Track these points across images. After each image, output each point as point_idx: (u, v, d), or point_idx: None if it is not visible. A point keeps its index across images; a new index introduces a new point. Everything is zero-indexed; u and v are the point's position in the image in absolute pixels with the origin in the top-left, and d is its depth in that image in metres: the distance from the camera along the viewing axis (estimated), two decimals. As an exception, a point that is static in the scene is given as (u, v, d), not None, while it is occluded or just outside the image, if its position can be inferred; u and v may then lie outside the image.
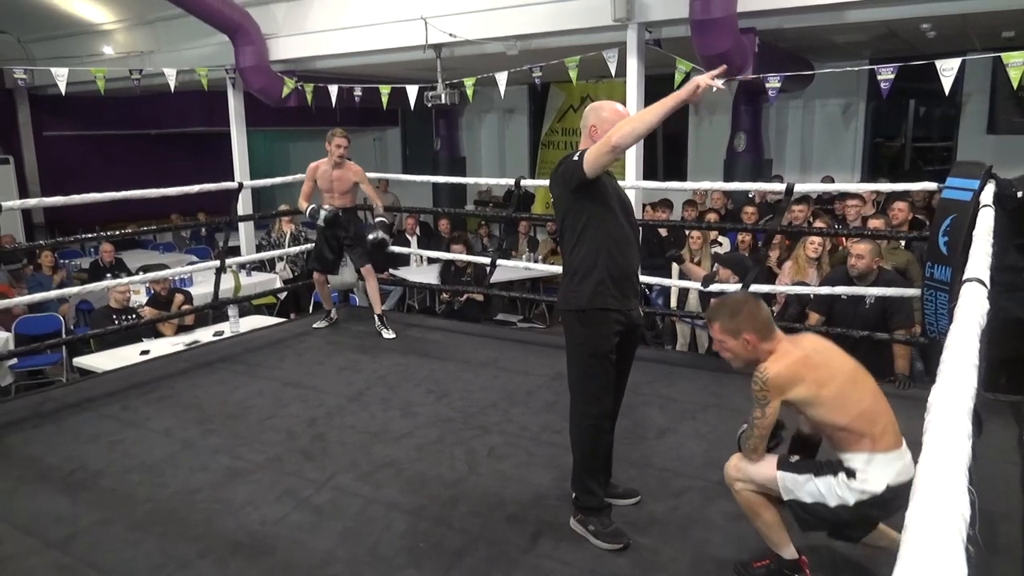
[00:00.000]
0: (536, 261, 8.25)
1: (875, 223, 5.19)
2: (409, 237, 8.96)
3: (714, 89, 2.44)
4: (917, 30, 6.79)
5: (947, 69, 5.22)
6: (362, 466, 3.29)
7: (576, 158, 2.58)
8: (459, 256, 6.99)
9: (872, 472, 2.12)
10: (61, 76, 7.39)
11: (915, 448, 1.03)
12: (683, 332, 6.07)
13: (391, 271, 7.88)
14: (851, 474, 2.14)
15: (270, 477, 3.20)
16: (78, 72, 7.92)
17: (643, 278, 5.93)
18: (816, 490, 2.18)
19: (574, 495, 2.75)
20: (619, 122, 2.52)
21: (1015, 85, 5.15)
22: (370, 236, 5.20)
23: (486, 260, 6.10)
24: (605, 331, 2.65)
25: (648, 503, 2.91)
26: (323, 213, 5.11)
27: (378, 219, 5.29)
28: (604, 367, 2.67)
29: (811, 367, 2.18)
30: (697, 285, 4.95)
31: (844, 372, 2.21)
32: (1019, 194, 3.64)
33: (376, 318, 5.30)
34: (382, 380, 4.42)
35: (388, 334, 5.23)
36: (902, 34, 7.15)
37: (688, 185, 5.99)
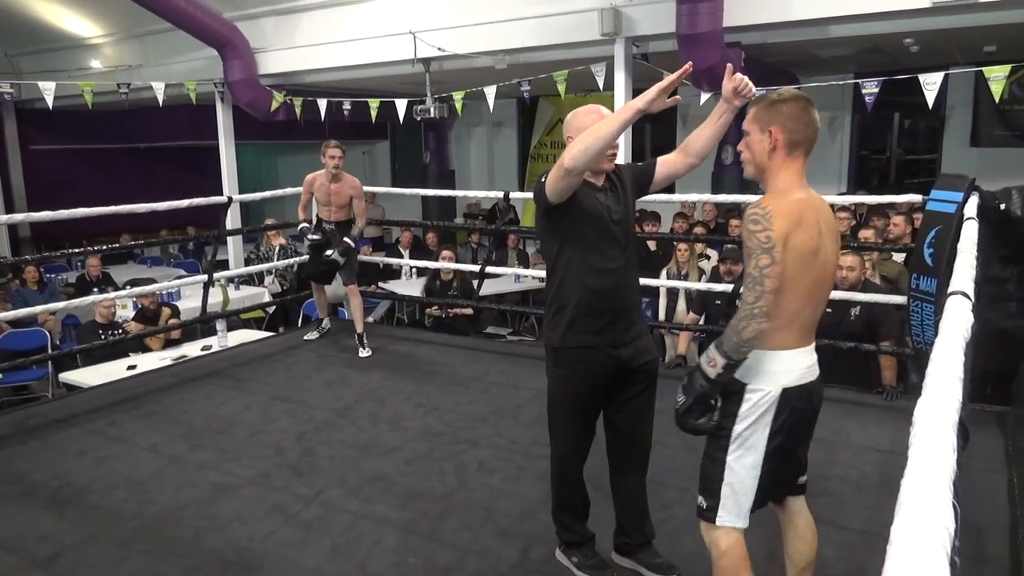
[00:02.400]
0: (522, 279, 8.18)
1: (865, 234, 5.24)
2: (402, 251, 8.96)
3: (669, 99, 2.13)
4: (900, 45, 6.88)
5: (930, 83, 5.30)
6: (351, 481, 3.27)
7: (543, 179, 2.31)
8: (448, 265, 6.98)
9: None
10: (49, 90, 7.38)
11: (901, 460, 1.03)
12: (672, 344, 6.08)
13: (379, 284, 7.87)
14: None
15: (258, 493, 3.18)
16: (66, 86, 7.91)
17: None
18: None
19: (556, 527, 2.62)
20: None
21: (997, 99, 5.23)
22: (328, 252, 5.13)
23: (475, 267, 6.10)
24: (579, 372, 2.39)
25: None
26: (308, 240, 5.12)
27: (347, 239, 5.18)
28: (576, 411, 2.44)
29: (810, 208, 1.92)
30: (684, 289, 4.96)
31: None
32: (1002, 206, 3.68)
33: (356, 337, 5.24)
34: (371, 394, 4.40)
35: (364, 353, 5.12)
36: (886, 48, 7.24)
37: (676, 197, 6.01)
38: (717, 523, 2.00)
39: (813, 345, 2.01)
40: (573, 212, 2.31)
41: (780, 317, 1.89)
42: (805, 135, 1.93)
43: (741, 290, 1.92)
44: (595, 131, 2.13)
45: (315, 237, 5.13)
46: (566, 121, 2.43)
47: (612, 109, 2.34)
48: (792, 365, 1.94)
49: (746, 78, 2.19)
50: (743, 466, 1.96)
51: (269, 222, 7.80)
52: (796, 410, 1.94)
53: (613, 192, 2.40)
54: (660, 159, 2.52)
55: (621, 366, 2.39)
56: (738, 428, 1.95)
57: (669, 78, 2.08)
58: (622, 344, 2.39)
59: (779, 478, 2.03)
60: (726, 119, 2.31)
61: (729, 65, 2.19)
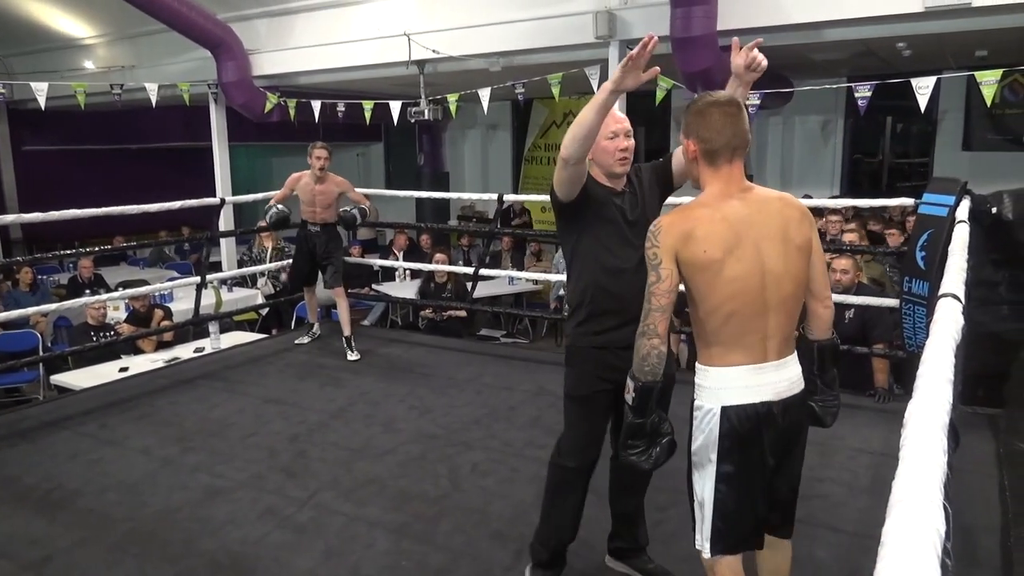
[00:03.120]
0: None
1: (850, 236, 5.26)
2: (397, 253, 8.95)
3: (645, 73, 2.03)
4: (893, 49, 6.91)
5: (923, 87, 5.32)
6: (344, 483, 3.27)
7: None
8: (441, 267, 6.97)
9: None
10: (41, 91, 7.34)
11: (894, 463, 1.04)
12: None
13: (373, 287, 7.86)
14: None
15: (251, 495, 3.17)
16: (58, 87, 7.87)
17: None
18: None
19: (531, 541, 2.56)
20: (603, 156, 2.27)
21: (989, 103, 5.25)
22: (350, 208, 5.28)
23: (468, 269, 6.09)
24: (587, 372, 2.36)
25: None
26: (271, 212, 5.20)
27: (355, 210, 5.31)
28: (583, 413, 2.39)
29: (711, 221, 1.80)
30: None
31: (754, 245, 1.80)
32: (993, 210, 3.71)
33: (344, 339, 5.23)
34: (364, 396, 4.39)
35: (352, 356, 5.10)
36: (879, 52, 7.27)
37: (670, 200, 6.03)
38: (698, 548, 1.93)
39: (781, 360, 1.84)
40: (588, 212, 2.31)
41: (704, 333, 1.84)
42: (722, 141, 1.81)
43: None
44: (578, 118, 2.13)
45: (279, 208, 5.21)
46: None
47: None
48: (735, 383, 1.81)
49: (756, 51, 2.09)
50: (703, 489, 1.88)
51: (262, 223, 7.75)
52: (740, 431, 1.80)
53: (631, 194, 2.38)
54: (675, 151, 2.43)
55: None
56: (693, 446, 1.89)
57: (630, 54, 2.00)
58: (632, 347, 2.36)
59: (744, 510, 1.86)
60: (740, 96, 2.16)
61: (736, 39, 2.11)
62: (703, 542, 1.91)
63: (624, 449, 1.94)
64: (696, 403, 1.87)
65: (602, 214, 2.31)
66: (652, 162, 2.51)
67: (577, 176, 2.22)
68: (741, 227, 1.80)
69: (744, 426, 1.80)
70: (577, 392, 2.40)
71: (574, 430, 2.43)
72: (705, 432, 1.84)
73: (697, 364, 1.88)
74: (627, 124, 2.34)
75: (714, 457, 1.83)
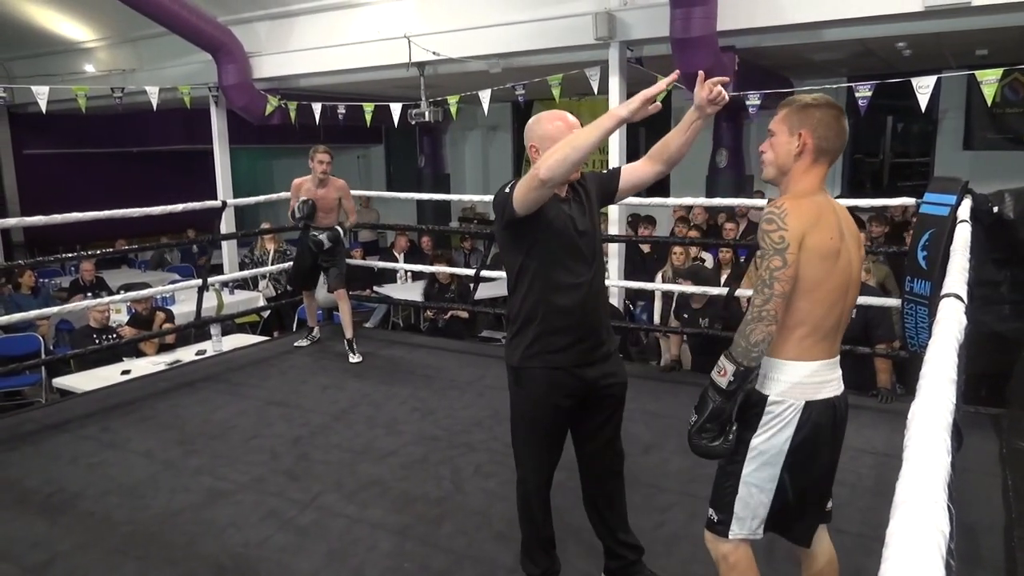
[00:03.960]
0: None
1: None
2: (397, 255, 8.95)
3: (651, 106, 2.04)
4: (893, 48, 6.91)
5: (923, 87, 5.31)
6: (347, 486, 3.27)
7: (508, 189, 2.16)
8: (443, 269, 6.98)
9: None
10: (42, 94, 7.34)
11: (897, 463, 1.04)
12: (667, 348, 6.08)
13: (375, 288, 7.86)
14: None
15: (253, 498, 3.17)
16: (59, 90, 7.87)
17: (624, 283, 5.97)
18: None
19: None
20: (559, 141, 2.08)
21: (989, 102, 5.24)
22: (319, 235, 5.14)
23: (470, 272, 6.10)
24: (539, 393, 2.26)
25: (634, 520, 2.90)
26: (300, 210, 5.08)
27: (336, 227, 5.21)
28: (539, 434, 2.31)
29: (827, 211, 1.85)
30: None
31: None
32: (995, 209, 3.70)
33: (345, 342, 5.23)
34: (367, 398, 4.39)
35: (354, 358, 5.11)
36: (879, 52, 7.27)
37: (670, 201, 6.03)
38: (729, 537, 1.91)
39: (838, 358, 1.92)
40: (537, 224, 2.17)
41: (803, 324, 1.82)
42: (834, 144, 1.86)
43: (742, 293, 1.89)
44: (573, 141, 2.03)
45: (304, 198, 5.08)
46: (528, 127, 2.29)
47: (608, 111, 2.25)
48: (817, 377, 1.85)
49: (720, 86, 2.07)
50: (759, 479, 1.87)
51: (265, 226, 7.79)
52: (819, 425, 1.84)
53: (578, 203, 2.27)
54: (625, 167, 2.39)
55: (587, 387, 2.28)
56: (755, 441, 1.86)
57: (655, 88, 2.02)
58: (588, 364, 2.27)
59: (798, 497, 1.90)
60: (697, 127, 2.18)
61: (701, 72, 2.09)
62: (746, 532, 1.90)
63: (698, 434, 1.85)
64: (771, 397, 1.84)
65: (552, 226, 2.19)
66: (596, 173, 2.43)
67: (546, 196, 2.12)
68: (841, 218, 1.88)
69: (823, 419, 1.84)
70: (533, 415, 2.29)
71: (529, 450, 2.35)
72: (780, 426, 1.84)
73: (769, 358, 1.85)
74: (579, 126, 2.22)
75: (785, 450, 1.84)
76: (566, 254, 2.22)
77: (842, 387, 1.92)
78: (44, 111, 7.62)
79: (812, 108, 1.86)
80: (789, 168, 1.89)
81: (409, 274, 8.31)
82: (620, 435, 2.47)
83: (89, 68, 10.17)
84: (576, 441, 2.42)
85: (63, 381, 5.31)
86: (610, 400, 2.37)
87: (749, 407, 1.86)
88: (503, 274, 7.52)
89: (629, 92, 6.54)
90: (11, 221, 5.02)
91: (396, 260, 8.75)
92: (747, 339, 1.77)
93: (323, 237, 5.14)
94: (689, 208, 8.14)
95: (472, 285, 5.95)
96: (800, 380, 1.83)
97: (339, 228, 5.21)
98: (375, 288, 7.88)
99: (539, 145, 2.22)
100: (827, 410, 1.85)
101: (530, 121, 2.29)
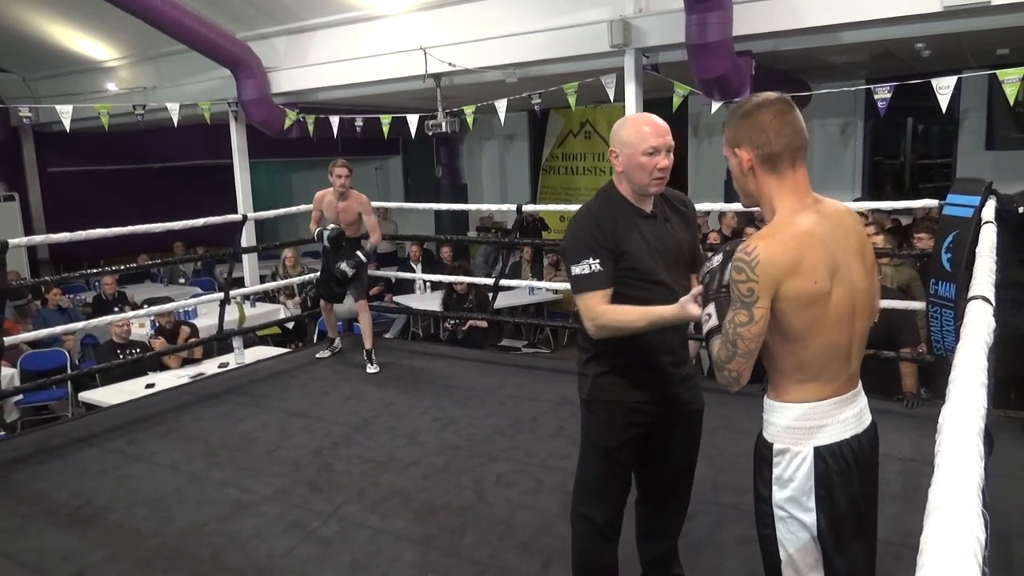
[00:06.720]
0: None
1: (876, 240, 5.18)
2: (413, 265, 8.99)
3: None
4: (912, 49, 6.85)
5: (943, 87, 5.26)
6: (369, 496, 3.27)
7: (565, 246, 2.13)
8: (461, 278, 6.99)
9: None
10: (66, 113, 7.47)
11: (923, 468, 1.02)
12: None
13: (394, 299, 7.89)
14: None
15: (277, 509, 3.18)
16: (82, 109, 8.00)
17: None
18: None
19: None
20: (637, 173, 2.03)
21: (1011, 101, 5.17)
22: (341, 264, 5.15)
23: (489, 281, 6.10)
24: (616, 421, 2.17)
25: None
26: (327, 232, 5.11)
27: (359, 252, 5.23)
28: (605, 462, 2.22)
29: (811, 245, 1.55)
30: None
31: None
32: (1020, 209, 3.64)
33: (365, 352, 5.24)
34: (388, 408, 4.41)
35: (372, 369, 5.13)
36: (898, 54, 7.20)
37: (704, 207, 5.99)
38: None
39: (858, 388, 1.67)
40: (617, 260, 2.07)
41: (801, 369, 1.59)
42: (783, 143, 1.59)
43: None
44: (629, 322, 2.01)
45: (334, 226, 5.12)
46: (614, 129, 2.15)
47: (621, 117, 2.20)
48: (824, 419, 1.60)
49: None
50: (797, 540, 1.63)
51: (288, 253, 7.90)
52: (841, 472, 1.58)
53: (664, 220, 2.16)
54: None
55: (664, 411, 2.20)
56: (777, 498, 1.63)
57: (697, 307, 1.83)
58: (667, 383, 2.19)
59: (857, 564, 1.65)
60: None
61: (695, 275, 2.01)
62: None
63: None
64: (776, 447, 1.62)
65: (631, 251, 2.06)
66: (680, 194, 2.32)
67: None
68: (833, 247, 1.58)
69: (840, 466, 1.59)
70: (606, 443, 2.20)
71: (589, 477, 2.26)
72: (795, 480, 1.60)
73: (769, 400, 1.65)
74: (670, 139, 2.09)
75: (812, 506, 1.59)
76: (644, 281, 2.13)
77: (866, 421, 1.67)
78: (68, 129, 7.75)
79: (742, 117, 1.63)
80: (750, 189, 1.66)
81: (428, 284, 8.34)
82: (691, 478, 2.41)
83: (111, 86, 10.33)
84: (644, 470, 2.33)
85: (89, 395, 5.38)
86: (687, 422, 2.29)
87: (759, 458, 1.68)
88: (521, 283, 7.49)
89: (645, 98, 6.53)
90: (37, 238, 5.10)
91: (413, 270, 8.80)
92: (721, 375, 1.61)
93: (346, 267, 5.14)
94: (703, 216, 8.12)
95: (491, 294, 5.95)
96: (803, 424, 1.60)
97: (361, 255, 5.23)
98: (395, 299, 7.92)
99: (618, 151, 2.10)
100: (847, 453, 1.60)
101: (618, 122, 2.16)
